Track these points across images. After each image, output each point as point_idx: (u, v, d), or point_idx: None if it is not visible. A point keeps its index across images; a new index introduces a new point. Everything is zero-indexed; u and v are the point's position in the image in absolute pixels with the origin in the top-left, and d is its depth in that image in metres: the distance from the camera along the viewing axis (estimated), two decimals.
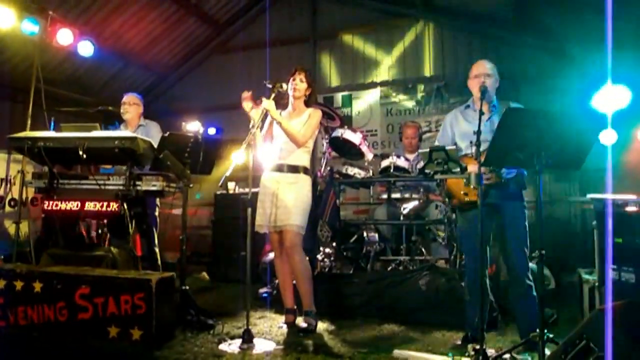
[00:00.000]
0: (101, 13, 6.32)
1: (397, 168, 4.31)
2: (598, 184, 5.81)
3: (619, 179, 5.68)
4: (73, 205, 3.55)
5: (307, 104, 3.65)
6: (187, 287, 3.44)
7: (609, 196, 3.67)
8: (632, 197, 3.66)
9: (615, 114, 4.85)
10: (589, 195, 3.87)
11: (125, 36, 6.90)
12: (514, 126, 2.50)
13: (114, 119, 4.83)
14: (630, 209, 3.33)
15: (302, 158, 3.56)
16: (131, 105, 4.46)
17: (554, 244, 5.20)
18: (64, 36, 5.08)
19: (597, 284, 3.54)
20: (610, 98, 4.88)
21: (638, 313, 2.16)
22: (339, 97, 7.42)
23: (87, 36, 5.36)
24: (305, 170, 3.55)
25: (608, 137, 5.13)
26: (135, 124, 4.48)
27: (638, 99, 4.95)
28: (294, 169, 3.52)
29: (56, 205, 3.58)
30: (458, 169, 2.78)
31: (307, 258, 3.64)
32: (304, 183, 3.54)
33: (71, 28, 5.15)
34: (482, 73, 3.08)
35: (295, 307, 3.61)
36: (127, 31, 6.83)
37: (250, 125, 3.31)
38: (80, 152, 3.44)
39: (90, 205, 3.51)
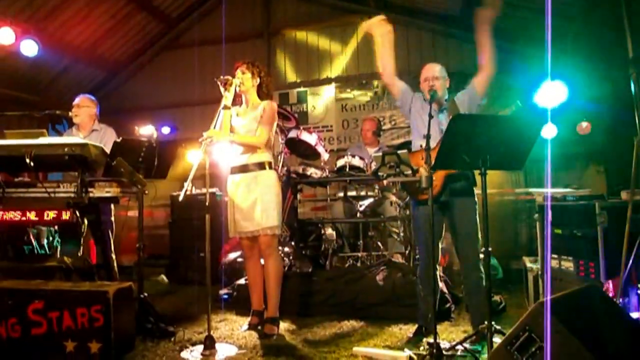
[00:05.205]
0: (44, 8, 6.03)
1: (353, 167, 4.40)
2: (542, 174, 6.18)
3: (559, 171, 6.06)
4: (21, 216, 3.42)
5: (261, 95, 3.54)
6: (146, 294, 3.41)
7: (549, 190, 3.91)
8: (570, 190, 3.93)
9: (554, 108, 5.10)
10: (531, 190, 4.11)
11: (71, 32, 6.62)
12: (461, 131, 2.61)
13: (62, 120, 4.64)
14: (568, 202, 3.57)
15: (264, 154, 3.47)
16: (81, 108, 4.19)
17: (502, 233, 5.47)
18: (5, 35, 4.84)
19: (540, 272, 3.79)
20: (549, 94, 5.11)
21: (576, 304, 2.34)
22: (294, 93, 7.45)
23: (30, 34, 5.10)
24: (270, 165, 3.47)
25: (548, 131, 5.41)
26: (88, 128, 4.24)
27: (575, 95, 5.21)
28: (258, 167, 3.43)
29: (3, 216, 3.44)
30: (410, 172, 2.90)
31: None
32: (269, 178, 3.44)
33: (12, 26, 4.90)
34: (431, 76, 3.20)
35: (262, 309, 3.54)
36: (73, 27, 6.55)
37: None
38: (28, 160, 3.32)
39: (40, 215, 3.40)
